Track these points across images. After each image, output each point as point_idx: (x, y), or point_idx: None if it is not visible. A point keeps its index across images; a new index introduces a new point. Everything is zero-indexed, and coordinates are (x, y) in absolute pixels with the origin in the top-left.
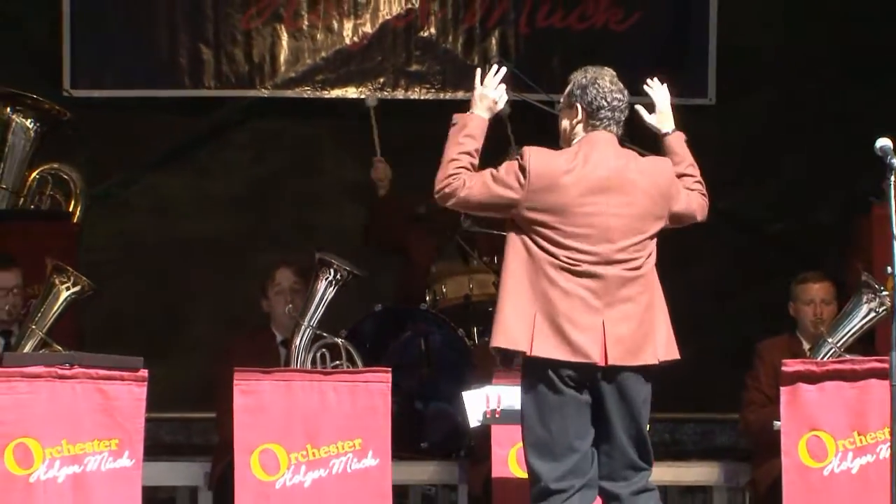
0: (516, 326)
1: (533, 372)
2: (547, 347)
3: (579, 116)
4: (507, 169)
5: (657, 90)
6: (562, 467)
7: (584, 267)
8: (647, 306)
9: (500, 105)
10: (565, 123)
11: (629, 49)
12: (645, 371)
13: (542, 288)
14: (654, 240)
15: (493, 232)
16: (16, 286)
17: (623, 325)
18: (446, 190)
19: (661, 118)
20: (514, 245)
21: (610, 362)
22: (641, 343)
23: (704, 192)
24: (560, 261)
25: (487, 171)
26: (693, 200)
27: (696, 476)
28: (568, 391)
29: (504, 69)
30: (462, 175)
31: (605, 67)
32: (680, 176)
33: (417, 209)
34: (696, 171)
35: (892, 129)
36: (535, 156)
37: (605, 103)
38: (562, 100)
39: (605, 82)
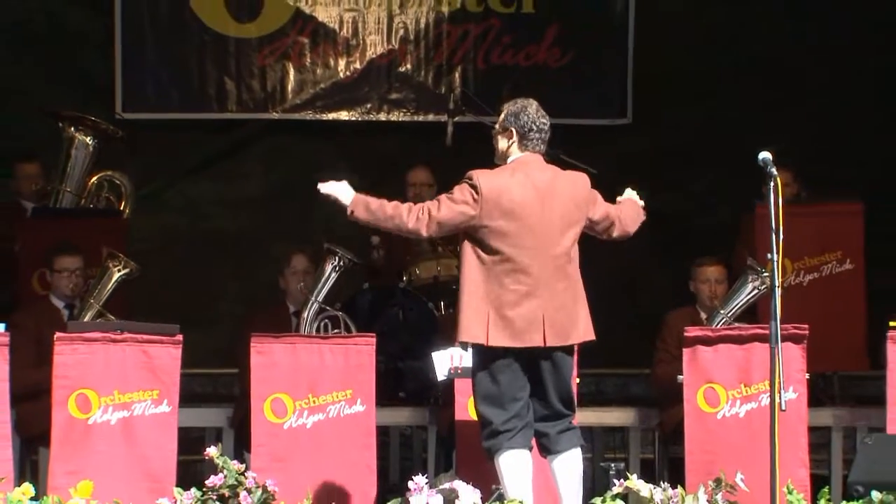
0: (475, 324)
1: (488, 350)
2: (500, 338)
3: (514, 138)
4: (461, 190)
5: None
6: (507, 413)
7: (526, 266)
8: (574, 297)
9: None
10: (503, 144)
11: (564, 80)
12: (571, 347)
13: (492, 288)
14: (577, 237)
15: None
16: (78, 268)
17: (558, 314)
18: (421, 227)
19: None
20: (468, 253)
21: (548, 344)
22: (570, 328)
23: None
24: (506, 263)
25: (444, 196)
26: (614, 213)
27: (615, 419)
28: (510, 360)
29: None
30: (415, 211)
31: (530, 99)
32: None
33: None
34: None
35: (774, 140)
36: (482, 177)
37: (535, 127)
38: (497, 125)
39: (532, 110)
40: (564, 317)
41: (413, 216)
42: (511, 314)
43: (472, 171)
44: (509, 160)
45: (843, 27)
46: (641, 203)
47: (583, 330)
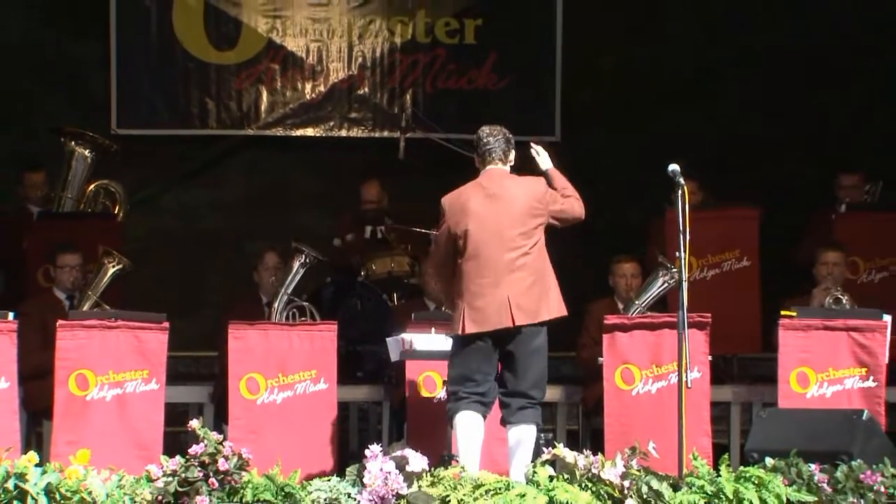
0: (454, 319)
1: (464, 338)
2: (473, 327)
3: (479, 159)
4: (439, 224)
5: (537, 150)
6: (469, 386)
7: (487, 260)
8: (538, 278)
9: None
10: (478, 165)
11: (501, 102)
12: (541, 325)
13: (466, 285)
14: (539, 230)
15: (407, 228)
16: (78, 264)
17: (523, 297)
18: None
19: (542, 161)
20: (451, 258)
21: (517, 323)
22: (537, 307)
23: (578, 197)
24: (472, 260)
25: (433, 235)
26: (568, 204)
27: (548, 396)
28: (482, 343)
29: None
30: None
31: (485, 126)
32: (561, 194)
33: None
34: (568, 187)
35: (681, 155)
36: (445, 199)
37: (482, 144)
38: None
39: (483, 133)
40: (530, 299)
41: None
42: (481, 303)
43: (442, 198)
44: (479, 176)
45: (754, 55)
46: (574, 204)
47: (553, 308)
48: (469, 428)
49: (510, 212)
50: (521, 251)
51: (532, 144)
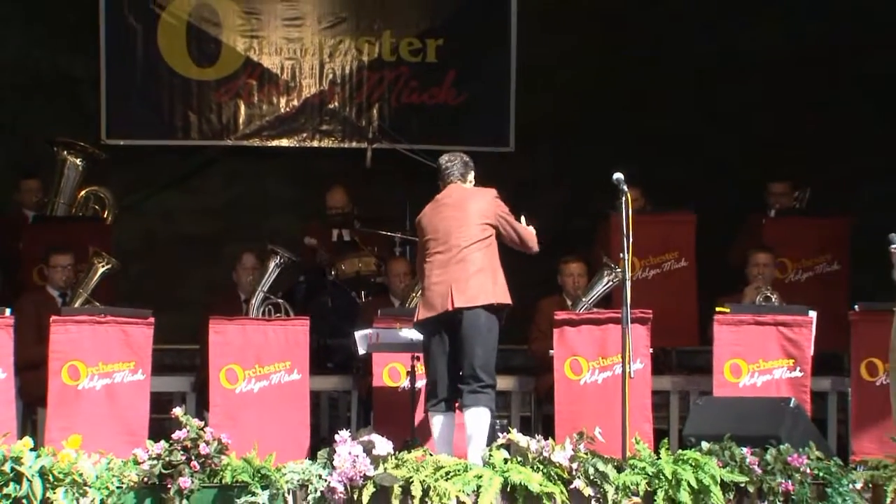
0: (419, 308)
1: (419, 326)
2: (422, 313)
3: (441, 183)
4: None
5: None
6: (435, 398)
7: (439, 257)
8: (482, 270)
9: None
10: (441, 188)
11: (460, 116)
12: (482, 309)
13: (424, 277)
14: (487, 230)
15: (374, 231)
16: (70, 264)
17: (464, 284)
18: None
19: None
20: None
21: (456, 306)
22: (476, 293)
23: (518, 236)
24: (431, 258)
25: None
26: (526, 232)
27: (500, 385)
28: (435, 341)
29: None
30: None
31: (445, 154)
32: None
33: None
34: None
35: (624, 163)
36: (417, 218)
37: (445, 170)
38: None
39: (443, 161)
40: (471, 286)
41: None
42: (430, 293)
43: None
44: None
45: (697, 70)
46: (527, 229)
47: (493, 294)
48: (439, 428)
49: (460, 216)
50: (469, 249)
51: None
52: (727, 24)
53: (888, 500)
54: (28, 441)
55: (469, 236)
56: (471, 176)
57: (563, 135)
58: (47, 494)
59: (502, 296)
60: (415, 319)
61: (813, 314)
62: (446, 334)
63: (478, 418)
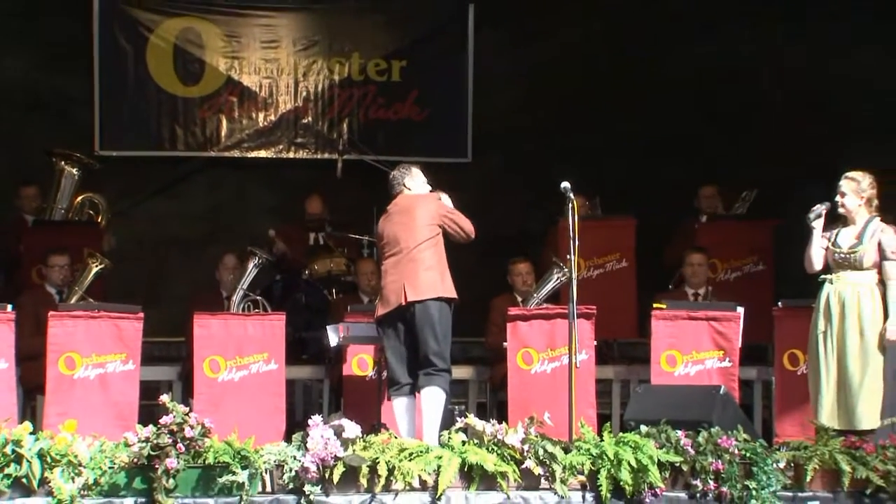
0: (377, 305)
1: (378, 322)
2: (380, 309)
3: (391, 192)
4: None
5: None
6: (397, 386)
7: (392, 259)
8: (430, 267)
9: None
10: (392, 196)
11: (422, 130)
12: (430, 302)
13: (382, 279)
14: (433, 230)
15: (344, 234)
16: (66, 264)
17: (414, 281)
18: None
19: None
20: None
21: (409, 300)
22: (425, 288)
23: (461, 229)
24: (386, 259)
25: None
26: (463, 220)
27: (459, 374)
28: (392, 334)
29: None
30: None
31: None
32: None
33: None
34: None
35: (571, 173)
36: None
37: (393, 182)
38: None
39: (391, 176)
40: (420, 282)
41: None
42: (386, 291)
43: None
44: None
45: (637, 89)
46: (464, 218)
47: (441, 289)
48: (400, 411)
49: (408, 221)
50: (417, 249)
51: (441, 194)
52: (665, 39)
53: (808, 477)
54: (28, 425)
55: (417, 238)
56: (418, 182)
57: (515, 146)
58: (45, 474)
59: (449, 291)
60: (375, 316)
61: (741, 310)
62: (402, 326)
63: (432, 397)
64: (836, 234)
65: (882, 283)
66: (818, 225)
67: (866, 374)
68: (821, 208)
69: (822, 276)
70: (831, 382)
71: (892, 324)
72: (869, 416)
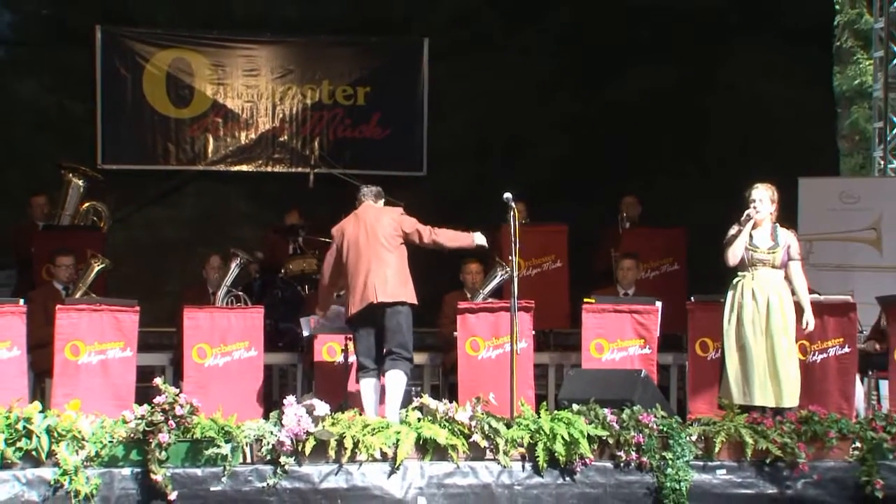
0: (347, 307)
1: (351, 319)
2: (352, 308)
3: (358, 203)
4: (329, 247)
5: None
6: (365, 370)
7: (360, 262)
8: (396, 272)
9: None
10: (358, 206)
11: (384, 147)
12: (400, 304)
13: (350, 281)
14: (397, 240)
15: (314, 238)
16: (71, 263)
17: (386, 283)
18: (323, 279)
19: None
20: (337, 266)
21: (380, 300)
22: (396, 291)
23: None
24: (352, 264)
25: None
26: (422, 232)
27: (415, 360)
28: (362, 329)
29: None
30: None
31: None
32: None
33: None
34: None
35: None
36: (334, 230)
37: (360, 194)
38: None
39: (363, 188)
40: (390, 285)
41: (324, 272)
42: (357, 291)
43: (332, 229)
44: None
45: (570, 114)
46: (449, 233)
47: (409, 296)
48: (366, 389)
49: (374, 229)
50: (383, 255)
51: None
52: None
53: (717, 449)
54: (37, 405)
55: (384, 245)
56: (381, 202)
57: (465, 162)
58: (52, 447)
59: (412, 297)
60: (348, 315)
61: (659, 304)
62: (371, 320)
63: (395, 378)
64: (750, 236)
65: (788, 280)
66: (748, 227)
67: (790, 359)
68: (752, 212)
69: (739, 273)
70: (760, 366)
71: (809, 316)
72: (790, 395)
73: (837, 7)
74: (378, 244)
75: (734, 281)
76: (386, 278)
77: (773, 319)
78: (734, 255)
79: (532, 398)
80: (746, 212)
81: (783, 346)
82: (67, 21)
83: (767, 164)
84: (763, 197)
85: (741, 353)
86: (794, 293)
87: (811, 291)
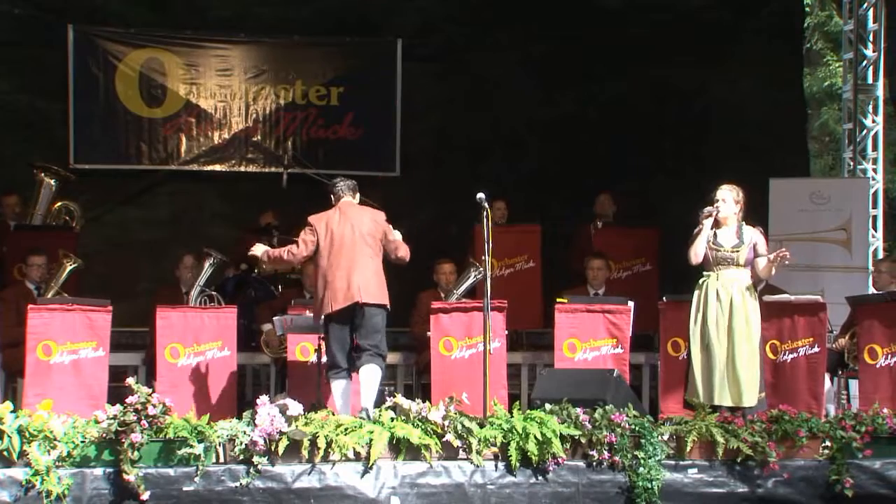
0: (323, 306)
1: (329, 317)
2: (333, 305)
3: (335, 198)
4: (304, 233)
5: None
6: (334, 359)
7: (342, 260)
8: (374, 273)
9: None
10: (334, 202)
11: (357, 147)
12: (378, 306)
13: (327, 278)
14: (378, 243)
15: (288, 238)
16: (43, 263)
17: (366, 284)
18: (291, 257)
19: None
20: (315, 256)
21: (363, 300)
22: (377, 292)
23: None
24: (334, 260)
25: (299, 239)
26: (402, 247)
27: (388, 360)
28: (338, 326)
29: None
30: (291, 247)
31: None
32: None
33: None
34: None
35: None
36: (312, 218)
37: (339, 189)
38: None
39: (338, 181)
40: (372, 286)
41: (295, 254)
42: (337, 289)
43: (310, 218)
44: (338, 204)
45: (546, 121)
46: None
47: (385, 298)
48: (338, 391)
49: (358, 228)
50: (365, 255)
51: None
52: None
53: (688, 448)
54: (9, 405)
55: (367, 246)
56: (357, 197)
57: (437, 162)
58: (24, 447)
59: (387, 300)
60: (326, 312)
61: (631, 304)
62: (348, 320)
63: (369, 373)
64: (715, 235)
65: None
66: (707, 224)
67: (752, 357)
68: (711, 209)
69: (705, 273)
70: (720, 365)
71: (762, 261)
72: (749, 395)
73: (807, 9)
74: (363, 244)
75: (699, 281)
76: (369, 279)
77: (736, 319)
78: (696, 253)
79: (505, 398)
80: (706, 209)
81: (743, 347)
82: (40, 20)
83: (739, 164)
84: (726, 197)
85: (705, 352)
86: (756, 273)
87: (781, 292)
